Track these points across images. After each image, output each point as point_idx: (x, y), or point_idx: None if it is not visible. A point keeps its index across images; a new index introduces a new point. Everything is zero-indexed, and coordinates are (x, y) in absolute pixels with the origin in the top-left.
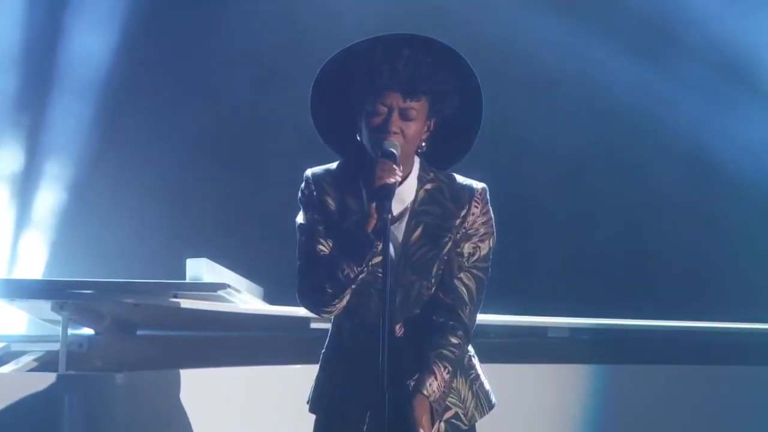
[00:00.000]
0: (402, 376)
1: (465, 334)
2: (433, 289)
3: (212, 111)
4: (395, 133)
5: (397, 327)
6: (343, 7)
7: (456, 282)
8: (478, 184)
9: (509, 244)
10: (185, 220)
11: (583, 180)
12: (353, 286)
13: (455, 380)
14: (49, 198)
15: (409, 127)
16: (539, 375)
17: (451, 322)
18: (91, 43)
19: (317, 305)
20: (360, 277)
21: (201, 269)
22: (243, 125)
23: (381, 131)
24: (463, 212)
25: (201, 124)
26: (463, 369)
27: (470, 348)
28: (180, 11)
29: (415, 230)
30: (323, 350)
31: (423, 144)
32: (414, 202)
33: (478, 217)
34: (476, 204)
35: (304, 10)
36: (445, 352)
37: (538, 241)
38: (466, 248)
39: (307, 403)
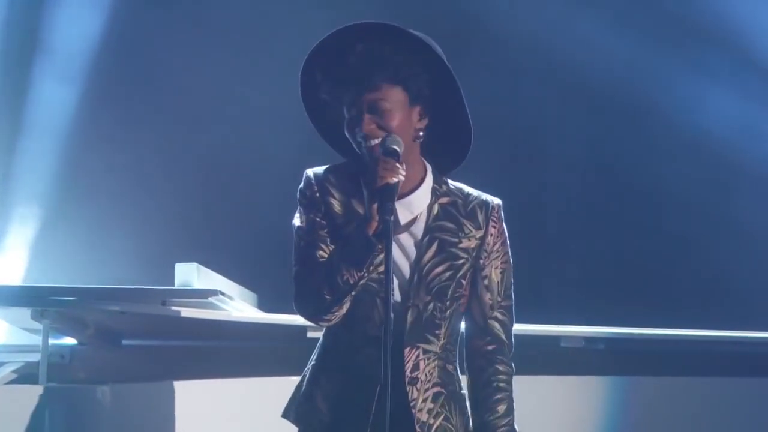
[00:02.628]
0: (407, 406)
1: (508, 379)
2: (448, 312)
3: (203, 114)
4: (370, 128)
5: (407, 350)
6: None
7: (491, 322)
8: (493, 200)
9: (520, 250)
10: (174, 223)
11: (599, 185)
12: (353, 293)
13: (453, 416)
14: (31, 201)
15: (387, 118)
16: (551, 387)
17: (496, 384)
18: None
19: (315, 313)
20: (360, 283)
21: (191, 275)
22: (236, 126)
23: (354, 129)
24: (481, 234)
25: (192, 125)
26: (459, 399)
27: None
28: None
29: (429, 248)
30: (313, 361)
31: (420, 133)
32: (428, 217)
33: (497, 237)
34: (494, 224)
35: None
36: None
37: (550, 246)
38: (494, 276)
39: (283, 416)
